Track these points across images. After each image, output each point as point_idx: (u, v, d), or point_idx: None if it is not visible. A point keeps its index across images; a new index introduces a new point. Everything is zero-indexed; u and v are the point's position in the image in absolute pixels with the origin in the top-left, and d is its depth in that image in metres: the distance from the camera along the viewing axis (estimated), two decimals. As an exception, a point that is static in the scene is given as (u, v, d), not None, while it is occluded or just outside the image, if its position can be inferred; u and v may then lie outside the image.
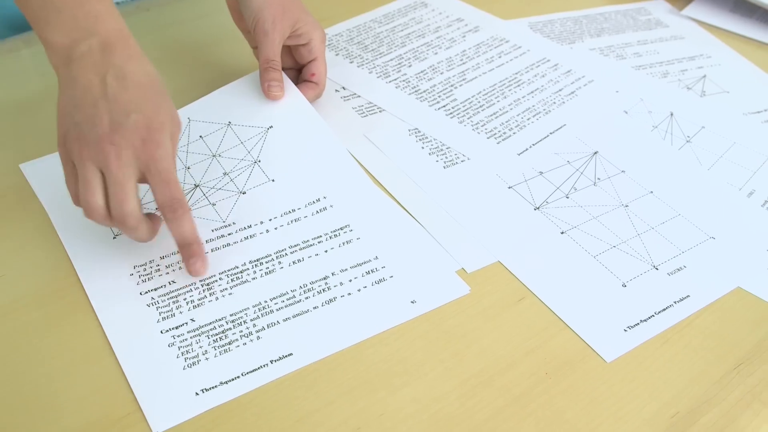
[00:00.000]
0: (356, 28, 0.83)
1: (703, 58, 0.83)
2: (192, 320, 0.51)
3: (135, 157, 0.49)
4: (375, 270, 0.55)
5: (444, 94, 0.73)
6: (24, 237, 0.56)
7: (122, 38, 0.51)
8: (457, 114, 0.71)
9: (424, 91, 0.73)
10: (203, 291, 0.53)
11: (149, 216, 0.52)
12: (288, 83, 0.67)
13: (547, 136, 0.69)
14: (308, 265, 0.55)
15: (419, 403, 0.47)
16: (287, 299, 0.53)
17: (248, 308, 0.52)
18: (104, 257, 0.54)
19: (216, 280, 0.53)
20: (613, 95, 0.75)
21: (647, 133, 0.70)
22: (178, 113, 0.52)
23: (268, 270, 0.54)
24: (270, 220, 0.58)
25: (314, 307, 0.52)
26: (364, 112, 0.71)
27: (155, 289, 0.53)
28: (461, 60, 0.78)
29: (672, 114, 0.73)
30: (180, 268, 0.54)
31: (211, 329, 0.50)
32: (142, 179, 0.50)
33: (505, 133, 0.69)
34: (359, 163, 0.64)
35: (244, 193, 0.60)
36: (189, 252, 0.52)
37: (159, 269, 0.54)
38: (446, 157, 0.66)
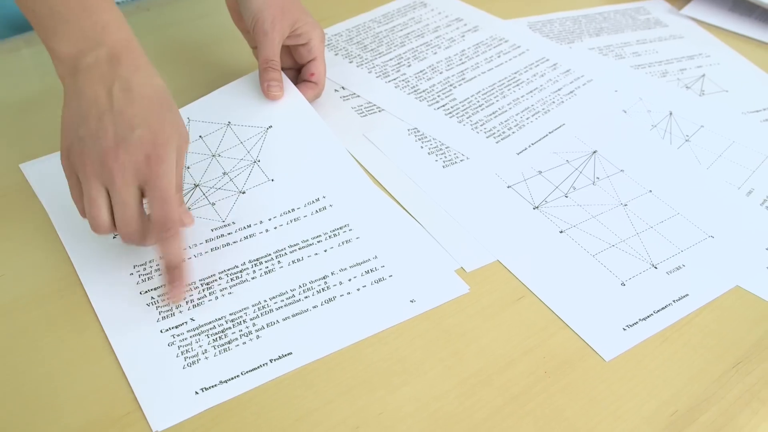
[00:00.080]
0: (356, 28, 0.83)
1: (702, 57, 0.84)
2: (192, 319, 0.51)
3: (138, 174, 0.48)
4: (374, 269, 0.55)
5: (443, 93, 0.73)
6: (24, 237, 0.57)
7: (130, 49, 0.51)
8: (457, 113, 0.71)
9: (424, 91, 0.74)
10: (203, 290, 0.53)
11: None
12: (287, 83, 0.67)
13: (546, 135, 0.69)
14: (308, 264, 0.55)
15: (418, 402, 0.47)
16: (287, 298, 0.53)
17: (248, 307, 0.52)
18: (104, 257, 0.54)
19: (215, 280, 0.53)
20: (612, 94, 0.75)
21: (646, 132, 0.70)
22: (185, 125, 0.52)
23: (267, 269, 0.55)
24: (269, 219, 0.58)
25: (314, 307, 0.52)
26: (363, 112, 0.71)
27: (155, 289, 0.53)
28: (460, 60, 0.79)
29: (671, 113, 0.73)
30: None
31: (210, 328, 0.50)
32: (145, 194, 0.49)
33: (504, 132, 0.69)
34: (359, 162, 0.64)
35: (244, 192, 0.60)
36: (170, 276, 0.51)
37: (159, 269, 0.54)
38: (445, 157, 0.66)
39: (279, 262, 0.55)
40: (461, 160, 0.66)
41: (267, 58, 0.65)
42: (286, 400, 0.47)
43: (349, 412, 0.46)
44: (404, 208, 0.60)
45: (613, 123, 0.71)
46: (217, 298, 0.52)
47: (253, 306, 0.52)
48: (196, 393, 0.47)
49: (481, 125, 0.70)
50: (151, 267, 0.54)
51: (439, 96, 0.73)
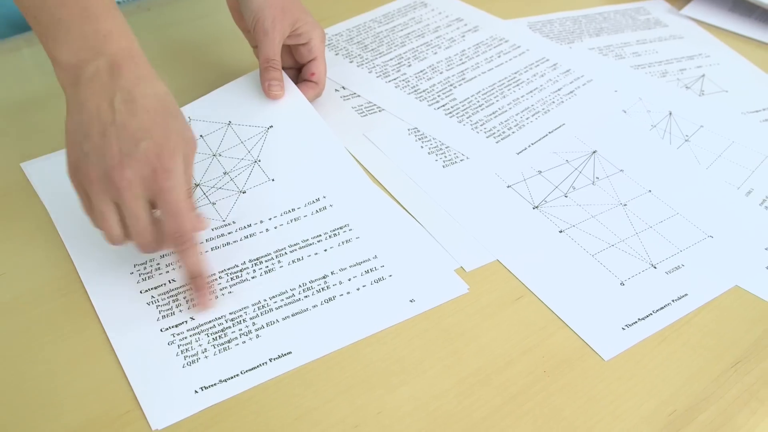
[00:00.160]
0: (356, 28, 0.84)
1: (702, 57, 0.84)
2: (191, 318, 0.51)
3: (146, 187, 0.47)
4: (374, 269, 0.55)
5: (443, 93, 0.73)
6: (25, 235, 0.57)
7: (131, 58, 0.50)
8: (457, 113, 0.71)
9: (424, 91, 0.74)
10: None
11: None
12: (288, 83, 0.67)
13: (546, 135, 0.69)
14: (308, 264, 0.55)
15: (417, 401, 0.47)
16: (286, 298, 0.53)
17: (248, 307, 0.52)
18: (105, 256, 0.54)
19: (215, 279, 0.54)
20: (611, 95, 0.75)
21: (646, 132, 0.70)
22: (191, 130, 0.51)
23: (267, 269, 0.55)
24: (270, 219, 0.58)
25: (313, 306, 0.52)
26: (363, 112, 0.71)
27: (155, 288, 0.53)
28: (460, 60, 0.79)
29: (671, 113, 0.73)
30: (180, 267, 0.54)
31: (210, 327, 0.51)
32: (156, 206, 0.49)
33: (504, 132, 0.69)
34: (359, 162, 0.64)
35: (244, 192, 0.60)
36: (194, 285, 0.51)
37: (159, 268, 0.54)
38: (445, 157, 0.66)
39: (279, 261, 0.55)
40: (461, 160, 0.66)
41: (268, 58, 0.65)
42: (285, 399, 0.47)
43: (349, 411, 0.47)
44: (404, 208, 0.60)
45: (612, 123, 0.71)
46: (217, 297, 0.52)
47: (252, 305, 0.52)
48: (196, 392, 0.47)
49: (481, 125, 0.70)
50: (151, 266, 0.54)
51: (439, 96, 0.73)
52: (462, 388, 0.48)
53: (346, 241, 0.57)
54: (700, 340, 0.52)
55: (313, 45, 0.67)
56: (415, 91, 0.74)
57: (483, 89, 0.74)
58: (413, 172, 0.64)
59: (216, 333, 0.50)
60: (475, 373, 0.49)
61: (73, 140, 0.49)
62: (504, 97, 0.74)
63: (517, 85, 0.75)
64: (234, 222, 0.58)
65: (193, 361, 0.48)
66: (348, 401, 0.47)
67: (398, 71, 0.76)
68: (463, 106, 0.72)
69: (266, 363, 0.49)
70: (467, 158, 0.66)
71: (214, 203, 0.59)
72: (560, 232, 0.59)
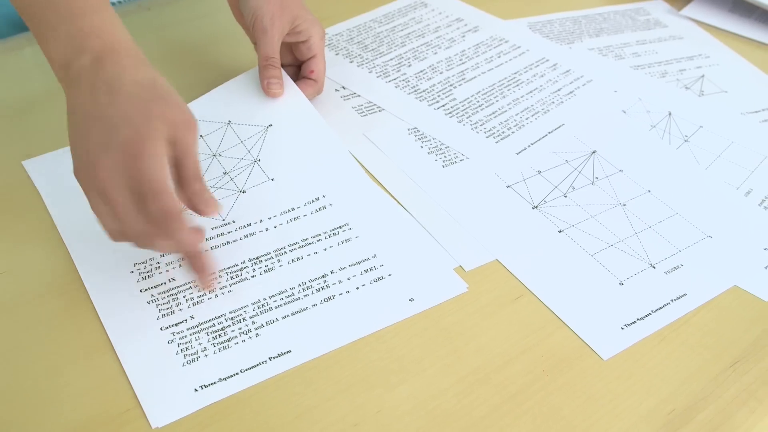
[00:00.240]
0: (356, 28, 0.84)
1: (702, 57, 0.84)
2: (191, 317, 0.51)
3: (127, 176, 0.46)
4: (373, 268, 0.55)
5: (443, 93, 0.74)
6: (26, 234, 0.57)
7: (113, 51, 0.49)
8: (456, 113, 0.71)
9: (424, 91, 0.74)
10: (203, 288, 0.53)
11: None
12: (288, 81, 0.67)
13: (546, 135, 0.69)
14: (307, 263, 0.55)
15: (416, 399, 0.47)
16: (286, 297, 0.53)
17: (247, 306, 0.52)
18: (105, 255, 0.55)
19: (215, 278, 0.54)
20: (611, 95, 0.75)
21: (645, 132, 0.70)
22: (187, 111, 0.49)
23: (267, 268, 0.55)
24: (270, 218, 0.58)
25: (313, 305, 0.52)
26: (363, 112, 0.71)
27: (155, 287, 0.53)
28: (460, 60, 0.79)
29: (670, 113, 0.73)
30: (180, 265, 0.54)
31: (210, 326, 0.51)
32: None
33: (503, 132, 0.69)
34: (359, 162, 0.65)
35: (244, 192, 0.60)
36: (193, 266, 0.50)
37: (159, 267, 0.54)
38: (445, 156, 0.66)
39: (279, 260, 0.55)
40: (461, 160, 0.66)
41: (267, 56, 0.65)
42: (285, 397, 0.47)
43: (348, 410, 0.47)
44: (404, 207, 0.61)
45: (612, 123, 0.71)
46: (216, 296, 0.53)
47: (252, 304, 0.52)
48: (196, 390, 0.47)
49: (481, 125, 0.70)
50: (151, 265, 0.54)
51: (439, 96, 0.73)
52: (461, 387, 0.48)
53: (346, 241, 0.57)
54: (699, 340, 0.52)
55: (312, 42, 0.67)
56: (415, 91, 0.74)
57: (483, 89, 0.75)
58: (413, 172, 0.64)
59: (216, 332, 0.50)
60: (474, 372, 0.49)
61: (72, 143, 0.49)
62: (504, 97, 0.74)
63: (517, 85, 0.75)
64: (234, 221, 0.58)
65: (193, 360, 0.49)
66: (347, 400, 0.47)
67: (398, 71, 0.76)
68: (462, 106, 0.72)
69: (266, 362, 0.49)
70: (467, 158, 0.66)
71: (214, 202, 0.59)
72: (559, 232, 0.59)
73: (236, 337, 0.50)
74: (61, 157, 0.62)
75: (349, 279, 0.54)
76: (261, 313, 0.52)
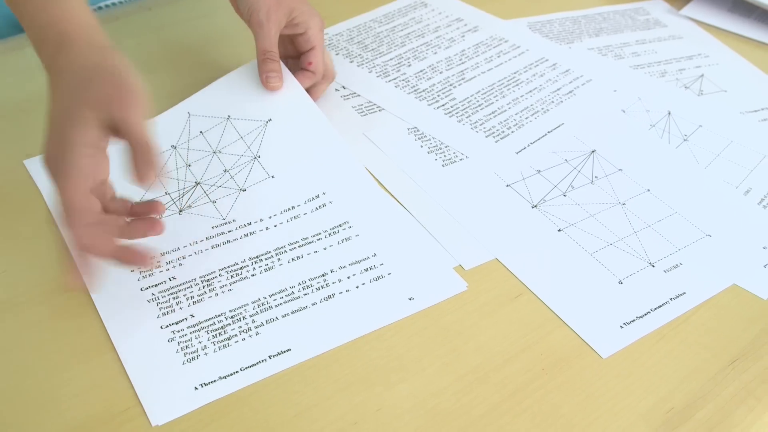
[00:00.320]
0: (356, 28, 0.84)
1: (701, 57, 0.84)
2: (192, 316, 0.51)
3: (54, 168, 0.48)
4: (373, 267, 0.55)
5: (443, 93, 0.74)
6: (27, 233, 0.57)
7: (63, 44, 0.50)
8: (456, 113, 0.71)
9: (424, 91, 0.74)
10: (203, 287, 0.53)
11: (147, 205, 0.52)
12: (287, 74, 0.66)
13: (545, 134, 0.69)
14: (307, 262, 0.55)
15: (416, 398, 0.48)
16: (286, 296, 0.53)
17: (247, 304, 0.52)
18: (105, 254, 0.55)
19: (215, 277, 0.54)
20: (611, 94, 0.75)
21: (645, 131, 0.71)
22: (123, 84, 0.48)
23: (267, 267, 0.55)
24: (270, 217, 0.59)
25: (313, 304, 0.53)
26: (363, 111, 0.71)
27: (155, 285, 0.53)
28: (460, 59, 0.79)
29: (669, 113, 0.73)
30: (180, 264, 0.54)
31: (210, 325, 0.51)
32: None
33: (503, 131, 0.69)
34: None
35: (244, 190, 0.61)
36: (79, 265, 0.49)
37: (159, 266, 0.54)
38: (445, 156, 0.66)
39: (279, 259, 0.55)
40: (460, 159, 0.66)
41: (264, 50, 0.64)
42: (284, 395, 0.47)
43: (348, 408, 0.47)
44: (404, 207, 0.61)
45: (611, 122, 0.71)
46: (217, 294, 0.53)
47: (252, 303, 0.52)
48: (196, 388, 0.47)
49: (481, 125, 0.70)
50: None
51: (439, 95, 0.73)
52: (460, 385, 0.48)
53: (346, 239, 0.57)
54: (698, 338, 0.52)
55: (310, 34, 0.66)
56: (415, 90, 0.74)
57: (482, 89, 0.75)
58: (413, 172, 0.64)
59: (216, 330, 0.50)
60: (474, 370, 0.49)
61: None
62: (503, 96, 0.74)
63: (517, 84, 0.76)
64: (234, 220, 0.58)
65: (193, 358, 0.49)
66: (347, 398, 0.47)
67: (398, 71, 0.77)
68: (462, 105, 0.72)
69: (266, 360, 0.49)
70: (466, 157, 0.66)
71: (214, 201, 0.59)
72: (559, 230, 0.59)
73: (236, 335, 0.50)
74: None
75: (348, 278, 0.54)
76: (261, 311, 0.52)
